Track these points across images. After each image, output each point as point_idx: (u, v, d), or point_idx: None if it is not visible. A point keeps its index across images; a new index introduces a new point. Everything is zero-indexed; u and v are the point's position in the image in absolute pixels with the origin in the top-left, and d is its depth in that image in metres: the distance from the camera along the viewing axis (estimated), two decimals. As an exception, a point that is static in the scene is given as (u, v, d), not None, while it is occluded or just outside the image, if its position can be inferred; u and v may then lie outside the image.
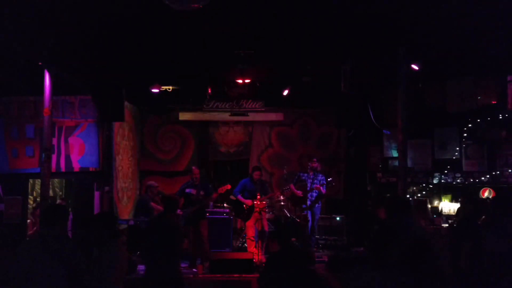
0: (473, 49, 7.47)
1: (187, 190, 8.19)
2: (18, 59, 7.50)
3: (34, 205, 9.09)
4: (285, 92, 9.55)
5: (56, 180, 10.53)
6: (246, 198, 8.59)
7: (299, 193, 8.81)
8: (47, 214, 3.94)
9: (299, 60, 8.11)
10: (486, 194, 8.58)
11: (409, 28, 6.72)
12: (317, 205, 8.78)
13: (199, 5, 4.11)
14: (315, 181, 8.76)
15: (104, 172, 9.06)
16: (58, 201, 10.30)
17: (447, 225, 8.07)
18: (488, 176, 8.72)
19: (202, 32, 6.88)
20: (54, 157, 8.84)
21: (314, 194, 8.72)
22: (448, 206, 8.97)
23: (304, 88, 9.48)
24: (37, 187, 9.44)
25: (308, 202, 8.66)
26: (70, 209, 9.11)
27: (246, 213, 8.58)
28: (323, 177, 8.88)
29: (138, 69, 8.58)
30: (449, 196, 9.09)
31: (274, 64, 8.25)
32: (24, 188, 9.04)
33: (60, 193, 10.93)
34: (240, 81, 8.38)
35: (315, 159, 8.97)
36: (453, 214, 8.41)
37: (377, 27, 6.70)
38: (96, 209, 8.92)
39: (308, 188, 8.69)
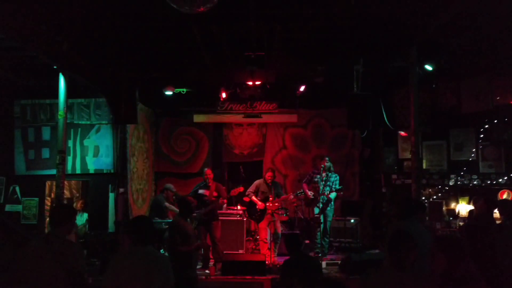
0: (487, 47, 7.35)
1: (200, 191, 8.23)
2: (34, 63, 7.67)
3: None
4: (301, 89, 9.43)
5: (73, 181, 10.71)
6: (259, 199, 8.59)
7: (309, 195, 8.73)
8: (54, 214, 3.98)
9: (311, 61, 8.09)
10: (504, 196, 8.40)
11: (421, 27, 6.64)
12: (328, 208, 8.69)
13: (204, 8, 4.12)
14: (328, 183, 8.65)
15: (118, 174, 9.18)
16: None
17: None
18: (505, 178, 8.54)
19: (213, 34, 6.92)
20: (69, 159, 9.03)
21: (325, 198, 8.63)
22: (465, 209, 8.81)
23: (317, 89, 9.44)
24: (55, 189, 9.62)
25: (320, 205, 8.58)
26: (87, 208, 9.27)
27: (259, 215, 8.59)
28: (336, 178, 8.74)
29: (151, 71, 8.68)
30: (466, 199, 8.93)
31: (286, 65, 8.24)
32: (41, 189, 9.22)
33: (77, 194, 11.10)
34: (250, 83, 8.38)
35: (326, 158, 8.86)
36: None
37: (389, 27, 6.64)
38: (111, 211, 9.05)
39: (320, 192, 8.60)
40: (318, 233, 8.60)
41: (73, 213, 4.04)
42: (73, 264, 3.67)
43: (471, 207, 8.41)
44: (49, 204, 9.74)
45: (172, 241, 5.50)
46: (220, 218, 8.53)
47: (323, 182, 8.64)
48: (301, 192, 8.73)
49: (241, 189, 8.48)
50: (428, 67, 7.35)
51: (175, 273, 5.08)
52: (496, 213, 6.23)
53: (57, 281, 3.60)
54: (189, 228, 5.72)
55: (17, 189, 9.17)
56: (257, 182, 8.88)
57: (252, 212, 8.79)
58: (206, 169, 8.46)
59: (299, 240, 5.08)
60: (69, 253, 3.70)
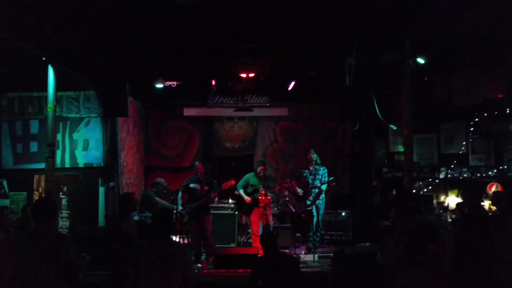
0: (479, 41, 7.38)
1: (191, 185, 8.18)
2: (22, 55, 7.52)
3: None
4: (291, 86, 9.47)
5: (61, 175, 10.55)
6: (250, 192, 8.59)
7: (298, 192, 8.75)
8: (38, 210, 3.88)
9: (303, 53, 8.05)
10: (493, 189, 8.48)
11: (414, 20, 6.64)
12: (320, 200, 8.70)
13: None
14: (317, 176, 8.67)
15: (108, 167, 9.09)
16: None
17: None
18: (495, 170, 8.61)
19: (205, 25, 6.85)
20: (58, 153, 8.91)
21: (316, 190, 8.65)
22: (455, 201, 8.89)
23: (308, 82, 9.41)
24: (43, 183, 9.48)
25: (311, 198, 8.59)
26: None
27: (247, 208, 8.58)
28: (325, 171, 8.76)
29: (141, 64, 8.57)
30: (456, 191, 9.00)
31: (277, 58, 8.19)
32: (29, 183, 9.08)
33: (65, 189, 10.92)
34: (243, 75, 8.33)
35: (311, 151, 8.89)
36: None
37: (382, 19, 6.62)
38: (101, 205, 8.96)
39: (310, 186, 8.62)
40: (311, 226, 8.62)
41: (56, 207, 4.06)
42: (66, 256, 3.65)
43: (460, 199, 8.51)
44: (37, 198, 9.60)
45: None
46: (211, 211, 8.50)
47: (312, 176, 8.67)
48: (288, 182, 8.74)
49: (233, 182, 8.45)
50: (421, 60, 7.35)
51: None
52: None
53: (49, 276, 3.57)
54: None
55: (5, 183, 9.03)
56: (247, 175, 8.87)
57: (241, 206, 8.79)
58: (197, 163, 8.40)
59: (274, 238, 5.13)
60: (61, 246, 3.69)
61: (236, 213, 9.18)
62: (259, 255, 7.15)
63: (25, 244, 3.68)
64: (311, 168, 8.73)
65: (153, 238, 3.79)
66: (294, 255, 7.79)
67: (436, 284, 2.98)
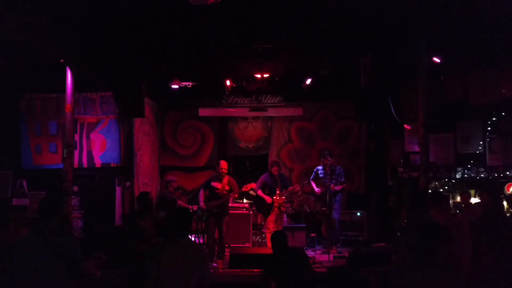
0: (496, 39, 7.28)
1: (212, 184, 8.20)
2: (40, 57, 7.64)
3: None
4: (308, 81, 9.39)
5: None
6: (266, 193, 8.61)
7: (317, 191, 8.74)
8: (43, 207, 3.96)
9: (318, 53, 8.03)
10: (511, 189, 8.38)
11: (429, 18, 6.58)
12: (337, 198, 8.67)
13: (213, 0, 4.08)
14: (333, 176, 8.65)
15: (125, 167, 9.19)
16: None
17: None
18: (513, 170, 8.50)
19: (220, 26, 6.88)
20: (76, 153, 9.04)
21: (332, 191, 8.64)
22: (472, 202, 8.78)
23: (323, 82, 9.39)
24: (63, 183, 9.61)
25: (327, 199, 8.58)
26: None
27: (266, 208, 8.61)
28: (341, 170, 8.73)
29: (157, 65, 8.65)
30: (473, 191, 8.90)
31: (292, 58, 8.19)
32: (48, 183, 9.22)
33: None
34: (258, 75, 8.35)
35: (328, 156, 8.84)
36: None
37: (397, 18, 6.58)
38: (118, 205, 9.06)
39: (327, 186, 8.61)
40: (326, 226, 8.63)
41: (58, 207, 4.16)
42: (70, 253, 3.74)
43: (477, 200, 8.40)
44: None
45: None
46: (227, 212, 8.54)
47: (328, 176, 8.66)
48: (307, 183, 8.74)
49: (253, 185, 8.54)
50: (436, 59, 7.28)
51: None
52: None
53: (58, 272, 3.67)
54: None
55: (24, 183, 9.19)
56: (263, 176, 8.90)
57: (260, 206, 8.81)
58: (221, 161, 8.39)
59: (282, 236, 5.15)
60: (66, 243, 3.78)
61: (251, 213, 9.21)
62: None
63: (33, 241, 3.76)
64: (326, 169, 8.72)
65: (172, 237, 3.82)
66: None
67: (450, 286, 2.92)
